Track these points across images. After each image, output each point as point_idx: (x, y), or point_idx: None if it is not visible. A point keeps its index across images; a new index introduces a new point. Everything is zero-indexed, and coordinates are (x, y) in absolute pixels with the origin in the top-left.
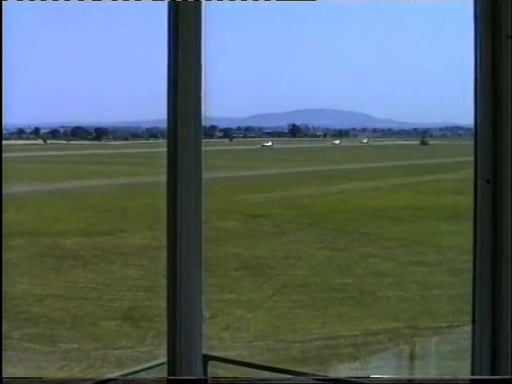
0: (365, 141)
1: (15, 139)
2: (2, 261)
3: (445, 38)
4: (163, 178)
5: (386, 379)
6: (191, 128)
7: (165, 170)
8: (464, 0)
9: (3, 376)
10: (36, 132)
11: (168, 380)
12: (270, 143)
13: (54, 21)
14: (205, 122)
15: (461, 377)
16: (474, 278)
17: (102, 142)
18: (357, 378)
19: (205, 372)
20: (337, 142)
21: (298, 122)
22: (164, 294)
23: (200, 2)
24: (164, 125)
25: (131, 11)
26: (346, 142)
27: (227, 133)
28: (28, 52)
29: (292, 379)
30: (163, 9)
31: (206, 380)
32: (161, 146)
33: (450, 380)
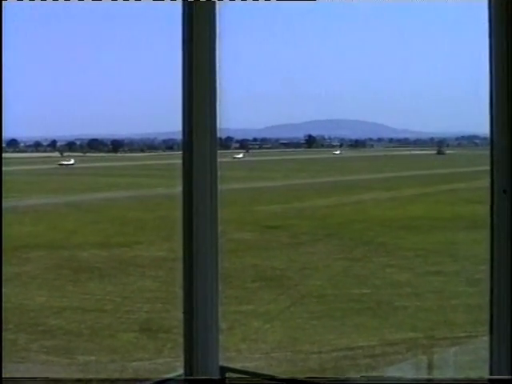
0: (337, 152)
1: (31, 152)
2: (2, 271)
3: (460, 46)
4: (179, 189)
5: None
6: (206, 139)
7: (181, 181)
8: (480, 5)
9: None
10: (53, 144)
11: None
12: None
13: (69, 30)
14: (220, 134)
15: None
16: (492, 287)
17: (119, 154)
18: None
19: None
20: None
21: (314, 133)
22: (181, 305)
23: (214, 8)
24: (180, 136)
25: (145, 19)
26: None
27: (243, 144)
28: (44, 64)
29: None
30: (177, 18)
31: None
32: (177, 158)
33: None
